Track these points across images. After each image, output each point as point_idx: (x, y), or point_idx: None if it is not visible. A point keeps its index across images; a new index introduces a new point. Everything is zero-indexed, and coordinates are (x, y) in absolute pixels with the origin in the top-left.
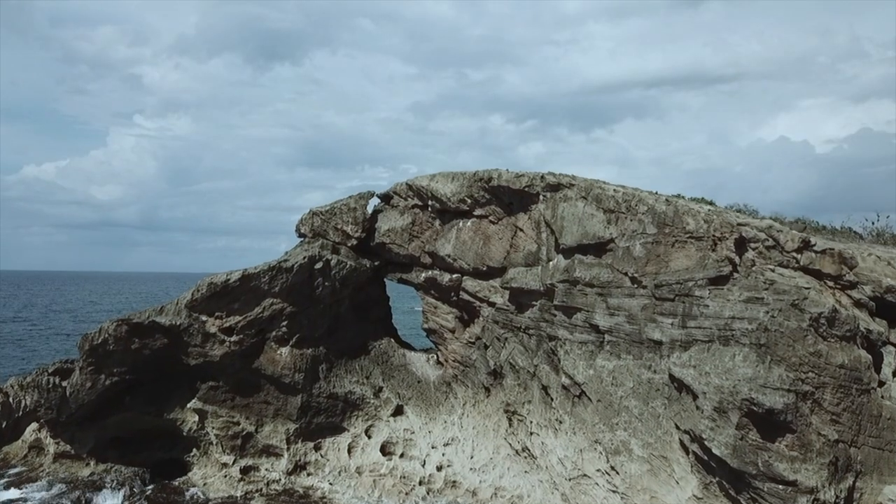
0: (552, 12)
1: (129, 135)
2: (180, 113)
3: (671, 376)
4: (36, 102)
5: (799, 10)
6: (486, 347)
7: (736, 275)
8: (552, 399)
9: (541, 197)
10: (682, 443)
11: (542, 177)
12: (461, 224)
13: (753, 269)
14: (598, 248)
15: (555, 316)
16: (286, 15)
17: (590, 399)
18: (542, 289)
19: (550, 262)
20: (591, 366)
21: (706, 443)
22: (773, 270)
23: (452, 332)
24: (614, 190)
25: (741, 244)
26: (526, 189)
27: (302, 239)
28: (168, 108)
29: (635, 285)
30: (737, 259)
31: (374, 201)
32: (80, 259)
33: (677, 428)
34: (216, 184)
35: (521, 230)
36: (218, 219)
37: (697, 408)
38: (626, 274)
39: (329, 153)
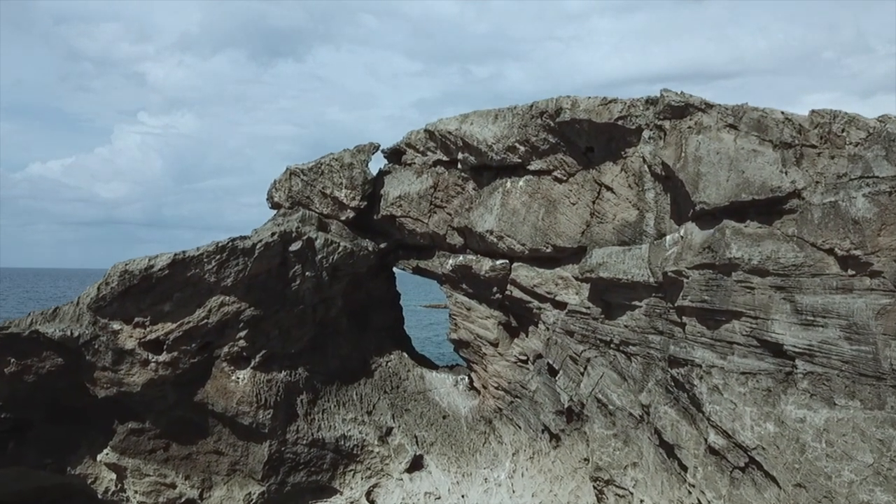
0: (556, 8)
1: (134, 132)
2: (184, 110)
3: None
4: (40, 100)
5: (804, 5)
6: (552, 371)
7: None
8: (685, 468)
9: (646, 134)
10: None
11: (652, 100)
12: (509, 185)
13: None
14: (769, 209)
15: (681, 325)
16: (288, 11)
17: (772, 479)
18: (652, 280)
19: (668, 237)
20: (769, 416)
21: None
22: None
23: (494, 345)
24: (783, 113)
25: None
26: (619, 122)
27: (276, 212)
28: (172, 106)
29: (853, 272)
30: None
31: (380, 162)
32: (85, 256)
33: None
34: (221, 181)
35: (609, 189)
36: (222, 216)
37: None
38: (831, 251)
39: (334, 150)
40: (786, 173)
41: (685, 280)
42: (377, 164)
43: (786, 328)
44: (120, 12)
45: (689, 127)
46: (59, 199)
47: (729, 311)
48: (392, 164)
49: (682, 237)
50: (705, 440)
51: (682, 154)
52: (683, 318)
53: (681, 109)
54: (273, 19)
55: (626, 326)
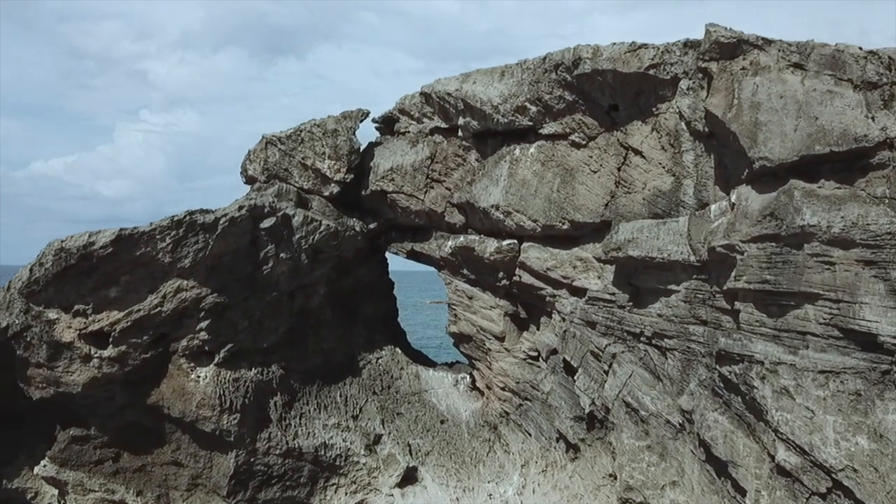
0: (557, 6)
1: (136, 130)
2: (186, 108)
3: None
4: (42, 98)
5: (807, 3)
6: (570, 370)
7: None
8: (743, 491)
9: (684, 84)
10: None
11: (692, 42)
12: (518, 152)
13: None
14: (849, 164)
15: (732, 313)
16: (289, 9)
17: None
18: (693, 259)
19: (713, 206)
20: (860, 428)
21: None
22: None
23: (500, 339)
24: (861, 48)
25: None
26: (651, 72)
27: (250, 187)
28: (174, 104)
29: None
30: None
31: (371, 135)
32: None
33: None
34: (223, 179)
35: (638, 153)
36: None
37: None
38: None
39: None
40: (873, 119)
41: (739, 257)
42: (369, 137)
43: (880, 314)
44: (121, 10)
45: (743, 68)
46: (62, 197)
47: (800, 293)
48: (384, 137)
49: (733, 204)
50: (771, 457)
51: (735, 101)
52: (736, 303)
53: (731, 48)
54: (274, 17)
55: (659, 315)
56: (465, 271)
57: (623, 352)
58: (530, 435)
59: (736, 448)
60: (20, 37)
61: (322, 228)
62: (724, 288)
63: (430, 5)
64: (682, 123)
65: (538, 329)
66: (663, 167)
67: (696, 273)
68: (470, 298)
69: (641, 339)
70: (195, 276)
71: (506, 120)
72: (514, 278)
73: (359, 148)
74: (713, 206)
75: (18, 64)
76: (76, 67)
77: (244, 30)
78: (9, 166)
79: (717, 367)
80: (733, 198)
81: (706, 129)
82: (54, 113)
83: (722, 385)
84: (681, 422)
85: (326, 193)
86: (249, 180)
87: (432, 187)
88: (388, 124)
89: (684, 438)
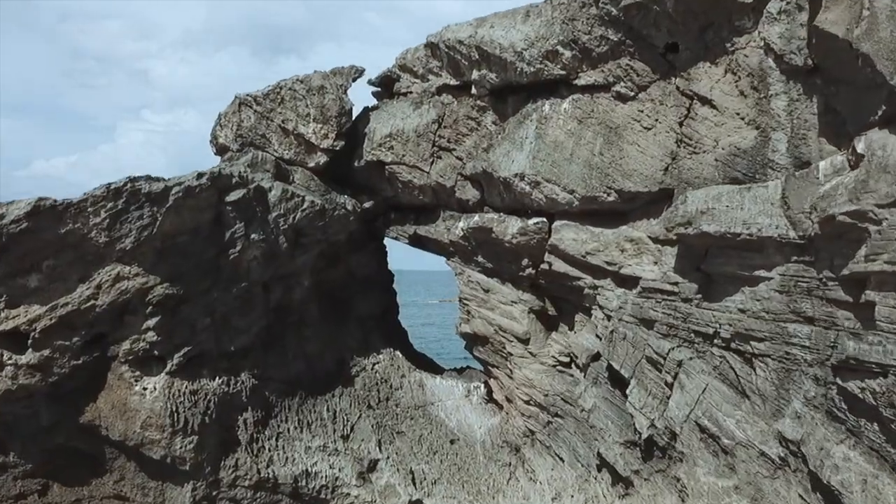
0: None
1: (138, 130)
2: (188, 108)
3: None
4: (43, 98)
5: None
6: (617, 381)
7: None
8: None
9: (773, 7)
10: None
11: None
12: (548, 108)
13: None
14: None
15: (860, 307)
16: (290, 9)
17: None
18: (793, 234)
19: (821, 163)
20: None
21: None
22: None
23: (524, 341)
24: None
25: None
26: None
27: (221, 158)
28: (175, 103)
29: None
30: None
31: (366, 101)
32: None
33: None
34: None
35: (707, 102)
36: None
37: None
38: None
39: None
40: None
41: (874, 227)
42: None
43: None
44: (122, 10)
45: None
46: (63, 196)
47: None
48: (383, 102)
49: (860, 155)
50: None
51: (866, 12)
52: (867, 293)
53: None
54: (275, 16)
55: (741, 311)
56: (481, 258)
57: (691, 358)
58: (562, 460)
59: (884, 499)
60: (21, 36)
61: (305, 206)
62: (844, 272)
63: (432, 5)
64: (770, 59)
65: (571, 329)
66: (742, 118)
67: (796, 254)
68: (486, 292)
69: (716, 341)
70: (140, 260)
71: (532, 69)
72: (543, 266)
73: (350, 109)
74: (822, 164)
75: (19, 63)
76: (77, 67)
77: (245, 29)
78: (10, 166)
79: (838, 380)
80: (860, 147)
81: (808, 63)
82: (56, 112)
83: (845, 406)
84: (782, 455)
85: (312, 164)
86: (220, 150)
87: (440, 157)
88: (386, 86)
89: (788, 478)
